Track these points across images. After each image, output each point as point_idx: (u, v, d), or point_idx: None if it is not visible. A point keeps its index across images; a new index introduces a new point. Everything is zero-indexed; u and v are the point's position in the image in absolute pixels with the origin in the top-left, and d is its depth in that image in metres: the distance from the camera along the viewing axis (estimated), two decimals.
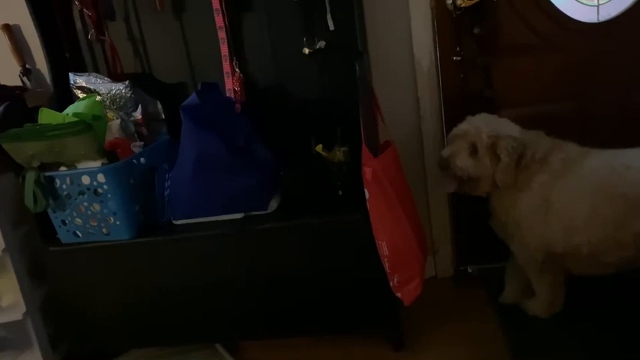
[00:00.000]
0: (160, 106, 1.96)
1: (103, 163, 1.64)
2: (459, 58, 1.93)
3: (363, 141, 1.56)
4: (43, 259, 1.80)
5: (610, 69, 1.93)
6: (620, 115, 1.94)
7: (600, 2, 1.90)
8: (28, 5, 1.85)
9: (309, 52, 1.89)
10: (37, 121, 1.65)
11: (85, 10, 1.91)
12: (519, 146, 1.56)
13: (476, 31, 1.90)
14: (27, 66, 2.08)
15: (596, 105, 1.96)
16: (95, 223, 1.71)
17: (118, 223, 1.69)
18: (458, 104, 1.97)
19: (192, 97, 1.68)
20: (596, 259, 1.53)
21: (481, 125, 1.60)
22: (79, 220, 1.71)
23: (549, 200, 1.54)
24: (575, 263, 1.59)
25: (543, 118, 1.95)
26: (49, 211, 1.72)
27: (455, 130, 1.66)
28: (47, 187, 1.66)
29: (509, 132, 1.59)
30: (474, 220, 1.85)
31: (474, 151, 1.59)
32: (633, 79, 1.93)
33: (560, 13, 1.89)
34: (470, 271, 2.11)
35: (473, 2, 1.82)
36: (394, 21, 1.95)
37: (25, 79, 2.06)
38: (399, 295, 1.62)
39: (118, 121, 1.83)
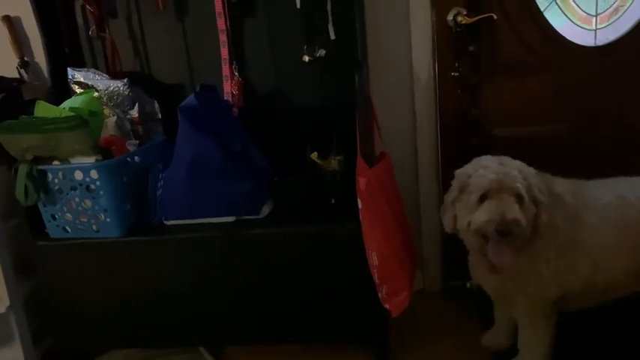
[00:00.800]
0: (157, 105, 1.96)
1: (97, 160, 1.64)
2: (457, 74, 1.94)
3: (358, 151, 1.57)
4: (30, 254, 1.79)
5: (605, 93, 1.95)
6: (613, 139, 1.97)
7: (598, 27, 1.93)
8: None
9: (309, 59, 1.90)
10: (33, 114, 1.64)
11: (87, 6, 1.91)
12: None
13: (471, 48, 1.91)
14: (25, 58, 2.06)
15: (591, 127, 1.98)
16: (85, 220, 1.70)
17: (108, 220, 1.68)
18: (454, 119, 1.99)
19: (191, 99, 1.68)
20: (604, 294, 1.48)
21: (511, 171, 1.35)
22: (69, 216, 1.70)
23: (576, 240, 1.42)
24: (582, 300, 1.51)
25: (537, 138, 1.98)
26: (40, 205, 1.71)
27: (484, 182, 1.35)
28: (39, 181, 1.65)
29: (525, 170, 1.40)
30: None
31: (519, 202, 1.34)
32: (628, 105, 1.95)
33: (558, 35, 1.91)
34: (468, 286, 2.08)
35: (474, 20, 1.84)
36: (395, 34, 1.96)
37: (22, 71, 2.05)
38: (387, 306, 1.61)
39: (114, 118, 1.82)
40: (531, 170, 1.41)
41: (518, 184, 1.33)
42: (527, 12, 1.89)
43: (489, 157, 1.43)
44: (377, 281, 1.59)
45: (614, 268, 1.44)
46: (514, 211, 1.31)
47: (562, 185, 1.48)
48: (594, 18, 1.93)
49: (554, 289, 1.45)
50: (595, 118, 1.97)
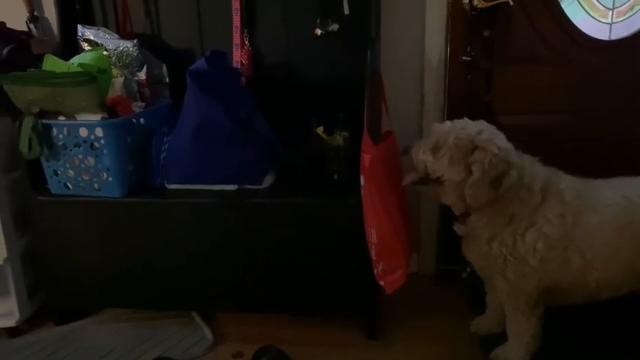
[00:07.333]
0: (165, 69, 1.95)
1: (102, 118, 1.63)
2: (468, 58, 1.93)
3: (365, 127, 1.56)
4: (30, 208, 1.79)
5: (613, 89, 1.94)
6: (619, 134, 1.97)
7: (614, 21, 1.92)
8: None
9: (321, 33, 1.89)
10: (41, 68, 1.63)
11: None
12: (500, 164, 1.37)
13: (486, 33, 1.90)
14: (35, 13, 2.04)
15: (595, 122, 1.97)
16: (87, 177, 1.70)
17: (110, 179, 1.69)
18: (462, 104, 1.98)
19: (201, 62, 1.68)
20: (597, 293, 1.48)
21: (457, 128, 1.45)
22: (71, 172, 1.70)
23: (571, 236, 1.42)
24: (571, 297, 1.52)
25: (545, 128, 1.98)
26: (42, 159, 1.71)
27: (432, 127, 1.53)
28: (43, 135, 1.64)
29: (494, 146, 1.39)
30: None
31: (436, 148, 1.45)
32: (635, 102, 1.95)
33: (572, 26, 1.90)
34: (464, 276, 2.07)
35: (490, 4, 1.83)
36: (409, 14, 1.95)
37: (31, 25, 2.03)
38: (381, 283, 1.62)
39: (122, 79, 1.82)
40: (504, 144, 1.43)
41: (441, 134, 1.45)
42: (543, 0, 1.88)
43: (480, 122, 1.50)
44: (374, 258, 1.60)
45: (610, 270, 1.43)
46: (418, 144, 1.50)
47: (566, 182, 1.47)
48: (611, 12, 1.92)
49: (537, 278, 1.46)
50: (602, 112, 1.96)
